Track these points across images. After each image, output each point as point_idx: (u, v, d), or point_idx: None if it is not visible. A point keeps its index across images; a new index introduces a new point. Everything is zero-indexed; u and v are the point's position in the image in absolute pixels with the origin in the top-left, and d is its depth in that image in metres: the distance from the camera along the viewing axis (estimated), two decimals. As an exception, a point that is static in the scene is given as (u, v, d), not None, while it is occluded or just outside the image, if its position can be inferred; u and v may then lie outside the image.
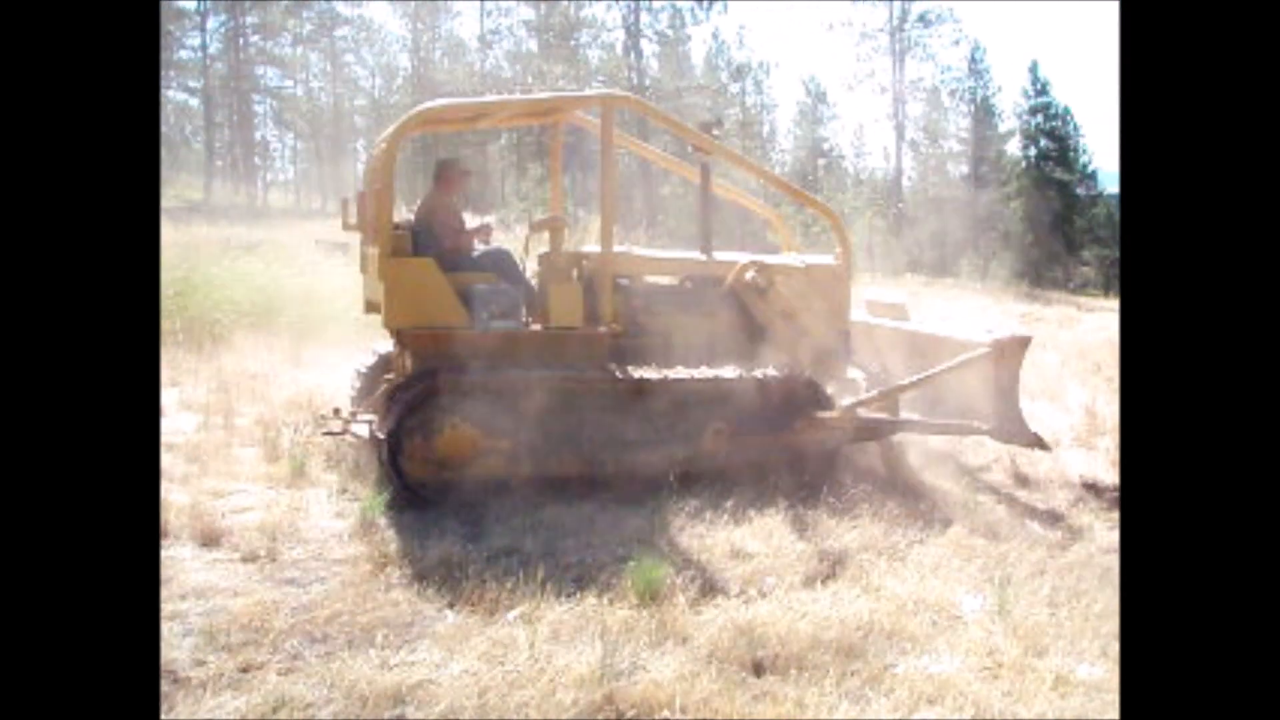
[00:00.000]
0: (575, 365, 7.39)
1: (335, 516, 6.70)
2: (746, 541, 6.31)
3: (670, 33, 47.33)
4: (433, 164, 8.76)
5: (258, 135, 61.15)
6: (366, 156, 7.95)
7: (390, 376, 8.15)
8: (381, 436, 6.87)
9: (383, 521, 6.49)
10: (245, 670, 4.45)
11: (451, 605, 5.23)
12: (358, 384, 8.60)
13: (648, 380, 7.37)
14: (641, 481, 7.20)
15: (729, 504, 6.80)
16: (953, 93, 55.20)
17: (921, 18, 51.16)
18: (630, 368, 7.50)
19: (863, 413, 7.88)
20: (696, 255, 8.67)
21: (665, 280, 8.49)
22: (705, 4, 43.33)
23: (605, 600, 5.27)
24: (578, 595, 5.34)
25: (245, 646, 4.66)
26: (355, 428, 7.62)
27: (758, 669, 4.61)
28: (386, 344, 8.62)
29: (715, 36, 55.70)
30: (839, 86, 78.61)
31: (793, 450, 7.78)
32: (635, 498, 6.98)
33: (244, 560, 5.88)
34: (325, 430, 7.85)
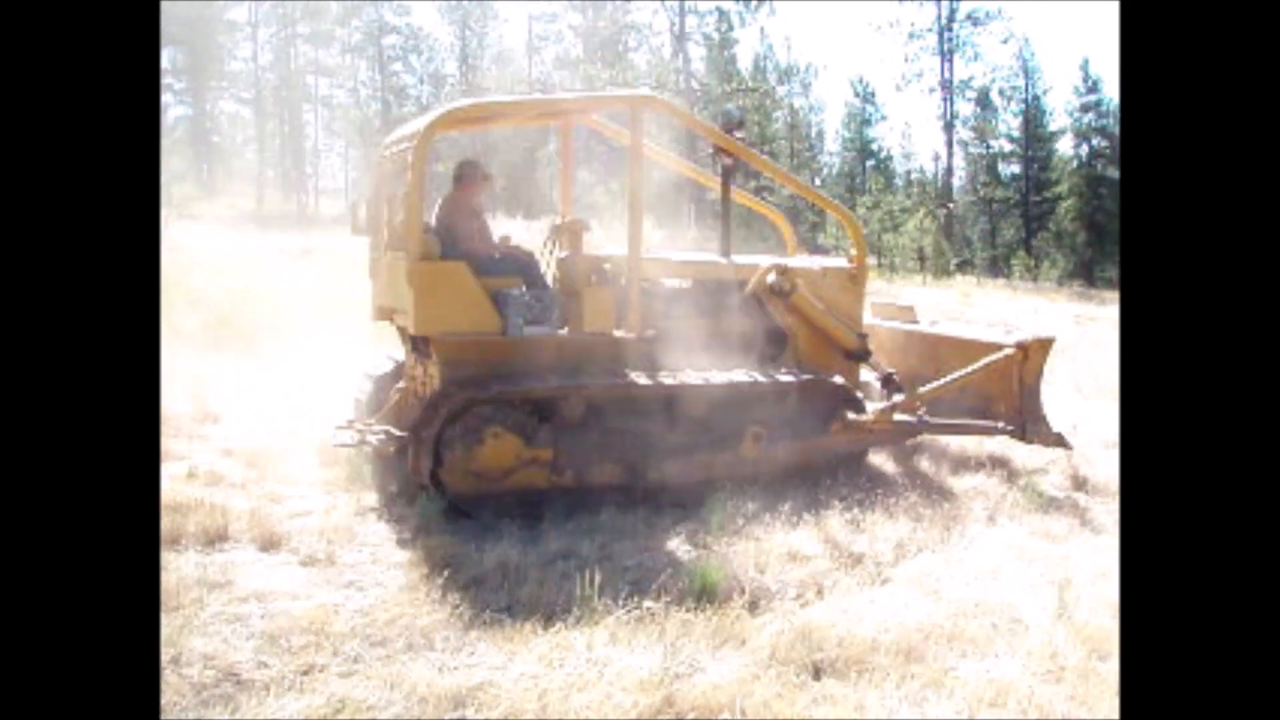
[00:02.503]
0: (611, 371, 7.30)
1: (392, 520, 6.73)
2: (803, 544, 6.28)
3: (716, 36, 47.25)
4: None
5: (308, 144, 61.76)
6: (377, 159, 7.77)
7: (401, 385, 8.04)
8: (421, 446, 6.70)
9: (439, 525, 6.52)
10: (306, 673, 4.49)
11: (509, 609, 5.25)
12: (368, 389, 8.37)
13: (692, 386, 7.29)
14: (683, 488, 7.17)
15: (785, 507, 6.77)
16: (1002, 92, 54.68)
17: (970, 16, 50.74)
18: (670, 373, 7.43)
19: (896, 415, 7.86)
20: (717, 259, 8.66)
21: (682, 283, 8.36)
22: (752, 6, 43.24)
23: (663, 603, 5.26)
24: (635, 598, 5.33)
25: (306, 649, 4.71)
26: (371, 438, 7.42)
27: (817, 672, 4.60)
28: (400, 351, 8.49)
29: (762, 39, 55.57)
30: (888, 87, 78.30)
31: (826, 453, 7.80)
32: (691, 501, 6.98)
33: (303, 564, 5.94)
34: (339, 443, 7.74)
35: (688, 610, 5.18)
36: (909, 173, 60.05)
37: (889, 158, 60.61)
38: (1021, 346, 7.92)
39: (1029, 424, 7.95)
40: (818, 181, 50.97)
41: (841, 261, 8.91)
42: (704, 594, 5.32)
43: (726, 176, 8.81)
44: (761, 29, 58.25)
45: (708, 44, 46.37)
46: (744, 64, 51.29)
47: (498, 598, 5.39)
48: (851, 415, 7.82)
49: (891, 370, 8.62)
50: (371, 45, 57.24)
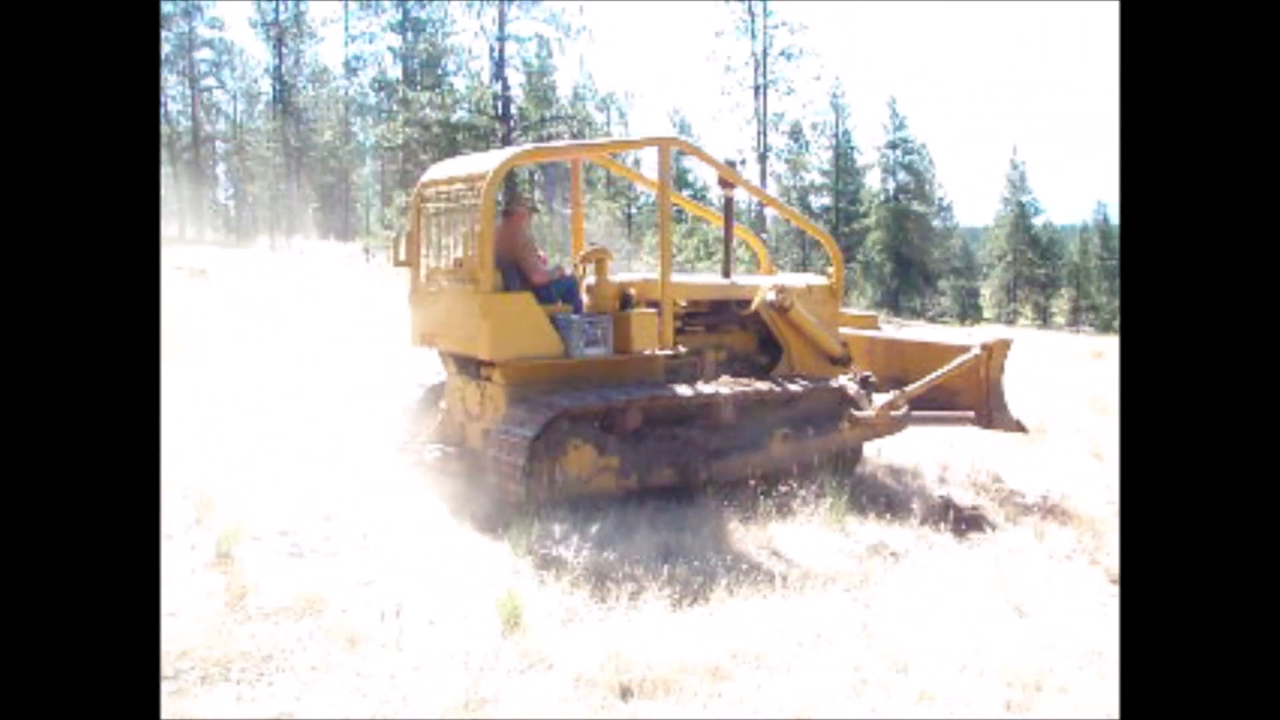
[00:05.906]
0: (661, 384, 8.01)
1: (190, 548, 6.46)
2: (611, 566, 6.26)
3: (536, 62, 47.29)
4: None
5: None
6: (415, 196, 8.58)
7: (444, 405, 8.56)
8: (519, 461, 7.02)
9: (240, 552, 6.29)
10: (90, 709, 4.25)
11: (312, 637, 5.09)
12: (409, 414, 8.86)
13: (733, 395, 8.05)
14: (729, 486, 7.86)
15: (594, 528, 6.76)
16: (815, 126, 56.34)
17: (783, 53, 52.01)
18: (714, 384, 8.22)
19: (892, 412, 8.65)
20: (722, 280, 9.51)
21: (684, 303, 8.97)
22: (571, 34, 43.39)
23: (469, 628, 5.19)
24: (442, 623, 5.25)
25: (91, 684, 4.46)
26: (427, 456, 8.00)
27: (625, 693, 4.58)
28: (433, 376, 9.08)
29: (581, 67, 55.91)
30: (704, 118, 79.68)
31: (838, 447, 8.73)
32: (492, 526, 6.93)
33: (90, 595, 5.63)
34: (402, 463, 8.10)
35: (495, 634, 5.13)
36: (723, 202, 61.09)
37: (705, 187, 61.76)
38: (986, 347, 8.76)
39: (994, 413, 8.78)
40: (634, 210, 51.56)
41: (822, 279, 9.82)
42: (511, 618, 5.26)
43: (728, 207, 9.77)
44: (581, 57, 58.66)
45: (527, 70, 46.33)
46: (563, 91, 51.52)
47: (300, 626, 5.21)
48: (857, 413, 8.64)
49: (868, 373, 9.47)
50: (182, 58, 55.26)
